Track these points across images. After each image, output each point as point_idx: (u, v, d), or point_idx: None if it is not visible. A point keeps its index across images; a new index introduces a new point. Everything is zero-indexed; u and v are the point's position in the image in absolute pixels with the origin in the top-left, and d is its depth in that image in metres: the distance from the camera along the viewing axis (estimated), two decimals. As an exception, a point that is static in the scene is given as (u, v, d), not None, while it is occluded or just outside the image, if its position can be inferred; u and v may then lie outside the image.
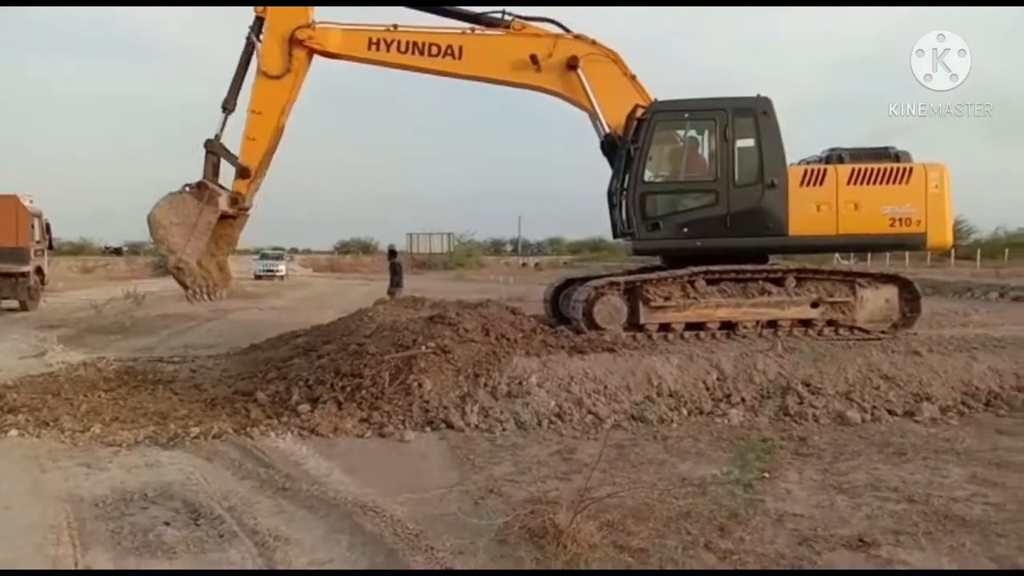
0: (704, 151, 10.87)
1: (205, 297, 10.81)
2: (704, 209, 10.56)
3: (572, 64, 10.65)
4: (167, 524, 5.00)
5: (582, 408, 7.97)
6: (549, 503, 4.94)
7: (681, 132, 11.00)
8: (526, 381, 8.17)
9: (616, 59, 10.91)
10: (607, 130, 10.84)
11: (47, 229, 23.34)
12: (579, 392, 8.17)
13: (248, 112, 10.71)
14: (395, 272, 18.19)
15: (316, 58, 10.96)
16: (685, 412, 8.11)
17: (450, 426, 7.57)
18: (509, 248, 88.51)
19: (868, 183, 10.52)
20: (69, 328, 16.54)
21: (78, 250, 65.62)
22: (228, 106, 10.81)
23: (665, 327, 10.38)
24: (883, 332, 10.69)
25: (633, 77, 10.95)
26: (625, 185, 10.51)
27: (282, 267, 45.56)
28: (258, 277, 42.44)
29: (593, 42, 10.86)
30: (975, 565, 4.35)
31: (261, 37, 10.71)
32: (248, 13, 10.82)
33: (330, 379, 8.56)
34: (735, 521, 5.00)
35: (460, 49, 10.77)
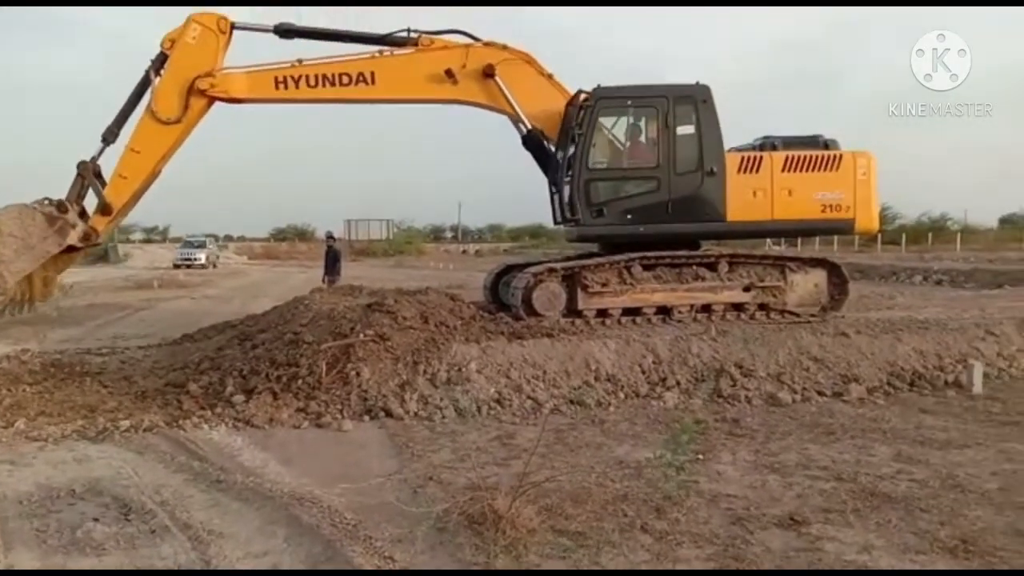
0: (646, 138, 10.97)
1: (9, 315, 10.20)
2: (646, 195, 10.65)
3: (488, 72, 10.52)
4: (96, 520, 4.86)
5: (521, 394, 8.02)
6: (488, 489, 4.97)
7: (623, 118, 11.06)
8: (465, 368, 8.17)
9: (531, 60, 10.87)
10: (529, 127, 10.83)
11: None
12: (518, 378, 8.21)
13: (127, 148, 10.09)
14: (333, 260, 17.96)
15: (220, 102, 10.44)
16: (622, 396, 8.24)
17: (389, 414, 7.54)
18: (449, 235, 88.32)
19: (801, 170, 10.79)
20: (-10, 320, 15.87)
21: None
22: (109, 137, 10.20)
23: (603, 312, 10.49)
24: (812, 315, 10.99)
25: (550, 76, 10.94)
26: (569, 171, 10.54)
27: (201, 255, 43.74)
28: (176, 266, 41.13)
29: (504, 47, 10.76)
30: (900, 540, 4.51)
31: (160, 73, 10.11)
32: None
33: (265, 369, 8.43)
34: (670, 503, 5.10)
35: (372, 74, 10.45)
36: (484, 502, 4.71)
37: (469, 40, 10.79)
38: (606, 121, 10.88)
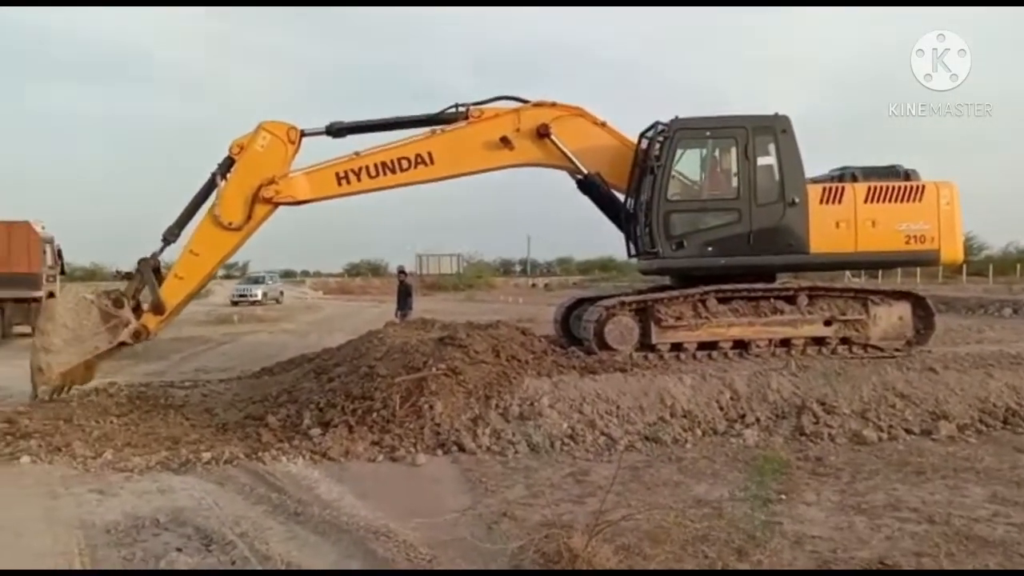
0: (725, 169, 10.85)
1: (47, 397, 10.22)
2: (727, 227, 10.48)
3: (543, 132, 10.54)
4: (179, 550, 4.96)
5: (595, 430, 7.91)
6: (563, 527, 4.89)
7: (702, 149, 10.97)
8: (538, 402, 8.12)
9: (582, 113, 10.88)
10: (585, 172, 10.81)
11: (59, 255, 23.52)
12: (591, 413, 8.11)
13: (186, 249, 10.18)
14: (405, 294, 18.19)
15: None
16: (699, 432, 8.04)
17: (462, 449, 7.53)
18: (518, 268, 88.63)
19: (884, 201, 10.52)
20: (81, 353, 16.54)
21: (90, 275, 66.05)
22: (169, 237, 10.27)
23: (677, 347, 10.32)
24: (897, 350, 10.59)
25: (603, 124, 10.95)
26: (646, 203, 10.46)
27: (258, 291, 43.19)
28: (234, 303, 40.40)
29: (554, 104, 10.77)
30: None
31: (226, 177, 10.18)
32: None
33: (341, 402, 8.52)
34: (753, 544, 4.92)
35: (430, 154, 10.47)
36: (560, 540, 4.63)
37: (518, 103, 10.84)
38: (684, 152, 10.79)
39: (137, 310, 10.26)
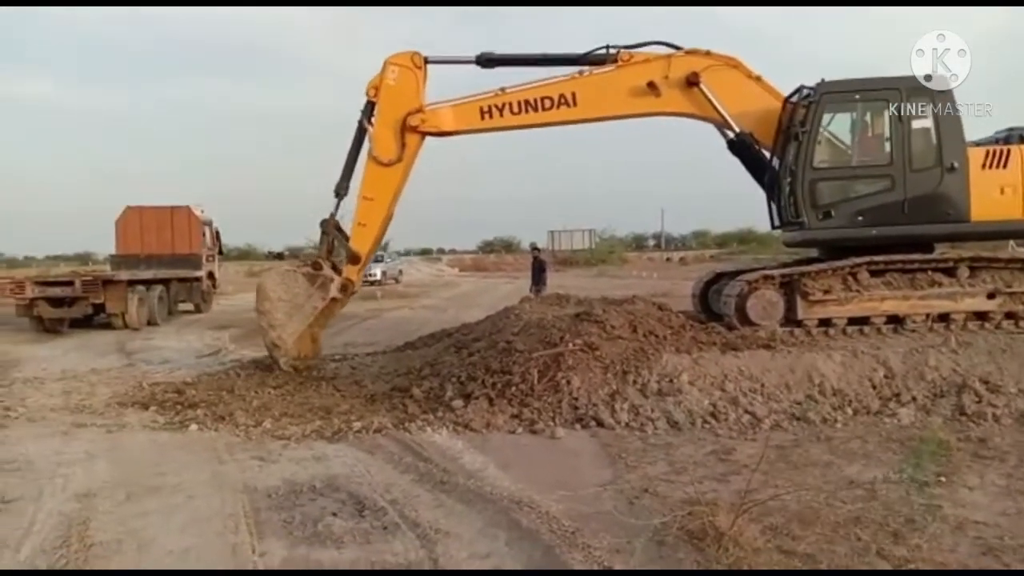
0: (876, 133, 10.25)
1: (290, 369, 10.86)
2: (878, 195, 9.93)
3: (692, 81, 10.20)
4: (334, 515, 5.24)
5: (738, 407, 7.72)
6: (708, 504, 4.83)
7: (851, 114, 10.38)
8: (677, 379, 8.01)
9: (737, 64, 10.42)
10: (737, 131, 10.41)
11: (217, 236, 25.23)
12: (734, 391, 7.92)
13: (359, 198, 10.74)
14: (539, 270, 18.34)
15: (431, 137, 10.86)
16: (850, 412, 7.69)
17: (600, 424, 7.54)
18: (652, 243, 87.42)
19: None
20: (239, 328, 17.74)
21: (244, 255, 70.65)
22: (340, 191, 10.89)
23: (825, 322, 9.90)
24: (1071, 325, 9.72)
25: (758, 78, 10.46)
26: (791, 171, 10.03)
27: (377, 271, 37.92)
28: None
29: (708, 53, 10.40)
30: None
31: (372, 121, 10.68)
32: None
33: (481, 376, 8.71)
34: (910, 527, 4.69)
35: (573, 95, 10.45)
36: (704, 518, 4.59)
37: (670, 50, 10.56)
38: (831, 117, 10.26)
39: (334, 269, 11.00)
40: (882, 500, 5.22)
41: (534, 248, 20.63)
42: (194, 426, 8.07)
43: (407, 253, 51.23)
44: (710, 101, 10.28)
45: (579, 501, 5.36)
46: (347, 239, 10.95)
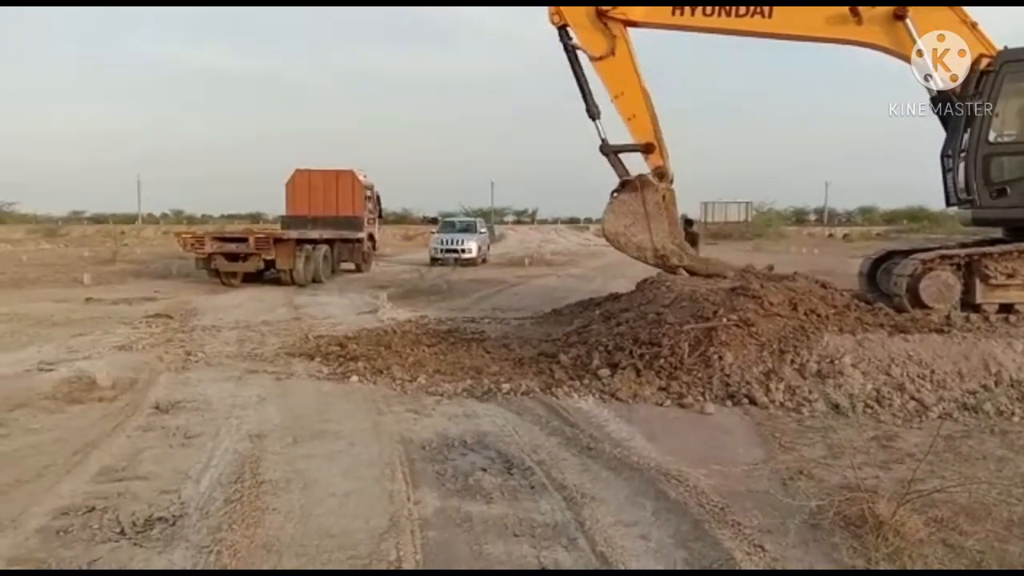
0: None
1: (679, 271, 11.60)
2: None
3: (899, 14, 9.50)
4: (484, 471, 5.38)
5: (904, 394, 7.25)
6: (868, 491, 4.59)
7: None
8: (838, 360, 7.62)
9: (953, 7, 9.55)
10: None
11: (378, 200, 26.33)
12: (901, 376, 7.44)
13: (612, 100, 11.16)
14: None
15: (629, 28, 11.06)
16: (1031, 405, 7.06)
17: (753, 402, 7.30)
18: (813, 218, 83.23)
19: None
20: (396, 288, 18.53)
21: (401, 219, 73.39)
22: (594, 111, 11.41)
23: (1006, 308, 9.10)
24: None
25: (974, 25, 9.53)
26: (964, 146, 9.27)
27: (472, 244, 28.93)
28: (434, 260, 28.30)
29: None
30: None
31: (572, 40, 11.06)
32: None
33: (629, 346, 8.63)
34: (1100, 535, 4.26)
35: (770, 8, 10.05)
36: (863, 504, 4.36)
37: None
38: (1012, 88, 9.33)
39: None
40: (1069, 504, 4.77)
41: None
42: (355, 378, 8.49)
43: (554, 221, 50.97)
44: (914, 40, 9.60)
45: (729, 478, 5.24)
46: (630, 145, 11.55)
